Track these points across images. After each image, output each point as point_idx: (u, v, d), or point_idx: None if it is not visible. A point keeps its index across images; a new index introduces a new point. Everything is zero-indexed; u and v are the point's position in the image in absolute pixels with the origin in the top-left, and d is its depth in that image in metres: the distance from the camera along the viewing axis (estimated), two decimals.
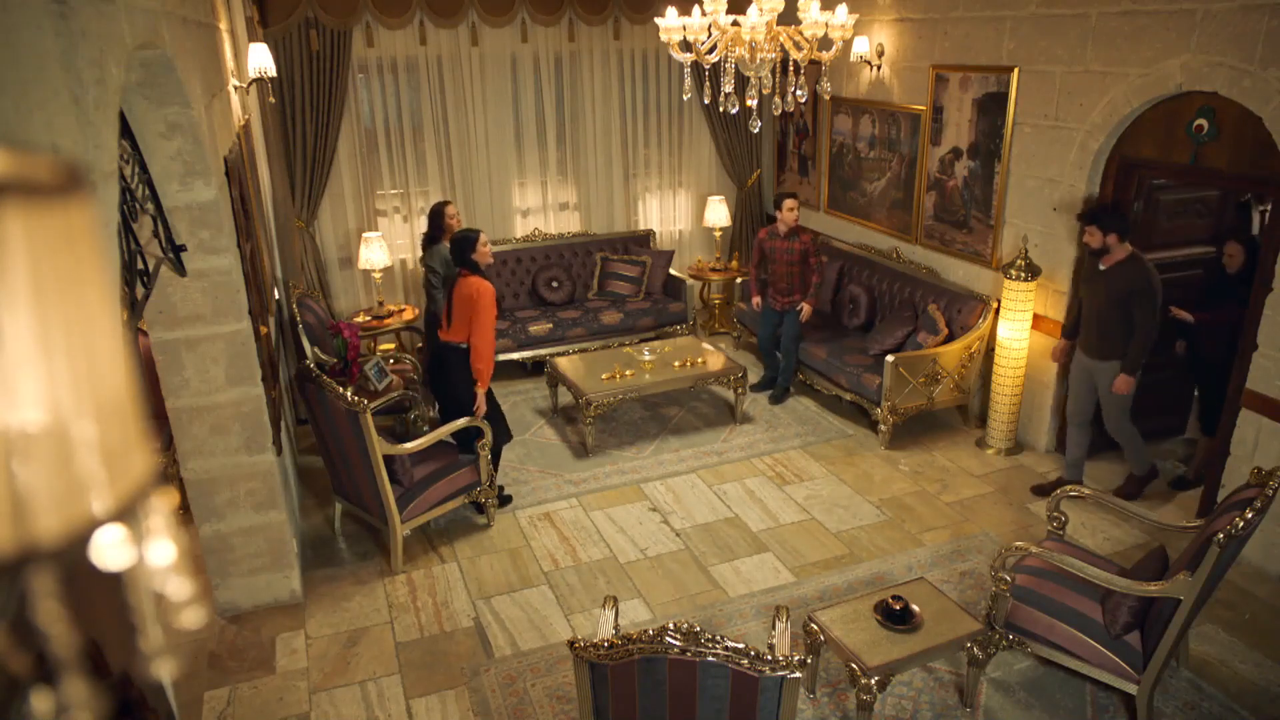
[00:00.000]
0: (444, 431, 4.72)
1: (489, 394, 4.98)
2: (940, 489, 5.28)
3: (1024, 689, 3.66)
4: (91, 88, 1.76)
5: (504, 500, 5.19)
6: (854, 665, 3.25)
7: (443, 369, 4.87)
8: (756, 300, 6.57)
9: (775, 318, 6.52)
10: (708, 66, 3.81)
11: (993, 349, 5.63)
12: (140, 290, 2.67)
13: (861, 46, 6.60)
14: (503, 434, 5.09)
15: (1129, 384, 4.70)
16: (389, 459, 4.41)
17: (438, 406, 5.15)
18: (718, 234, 8.18)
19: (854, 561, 4.61)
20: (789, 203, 6.18)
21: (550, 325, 7.04)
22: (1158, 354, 4.98)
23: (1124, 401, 4.81)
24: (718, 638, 2.34)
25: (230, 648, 4.01)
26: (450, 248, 4.79)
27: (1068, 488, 3.91)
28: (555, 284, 7.47)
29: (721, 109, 3.80)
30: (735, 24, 3.60)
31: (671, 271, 7.69)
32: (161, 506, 0.58)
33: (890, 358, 5.61)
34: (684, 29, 3.65)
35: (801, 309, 6.30)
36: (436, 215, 5.76)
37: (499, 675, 3.82)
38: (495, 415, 5.03)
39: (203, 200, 3.42)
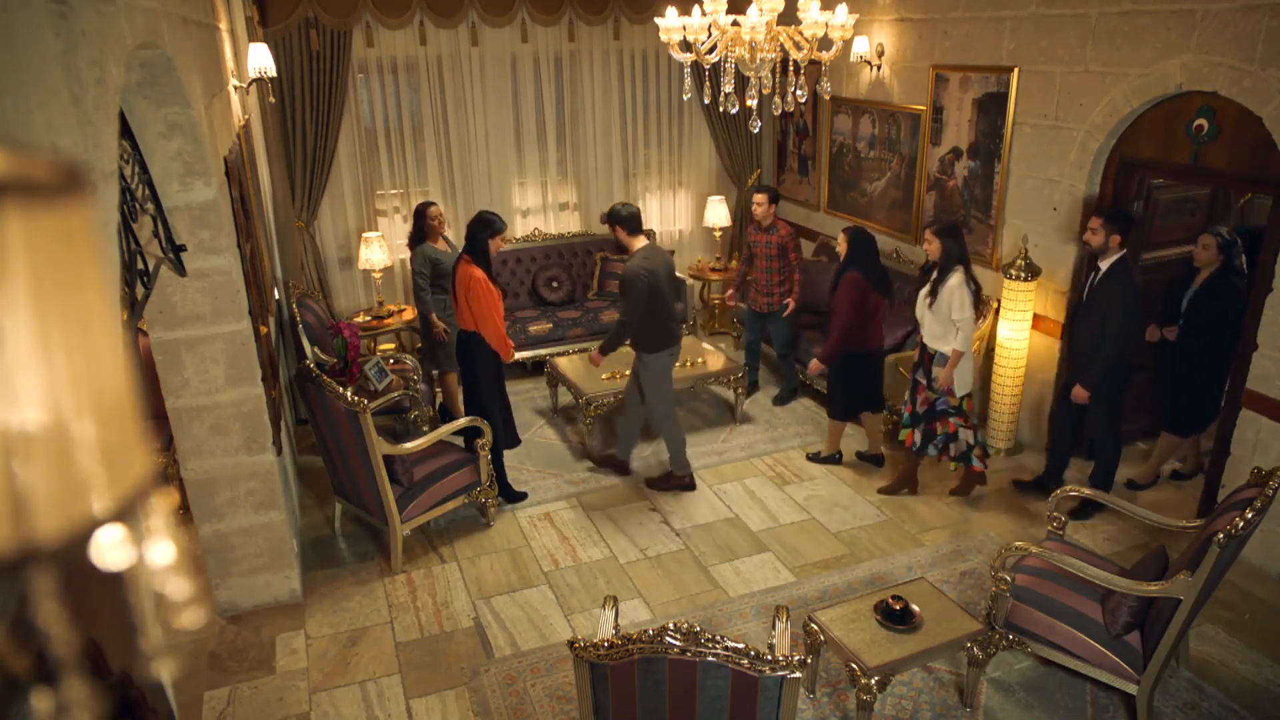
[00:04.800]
0: (444, 431, 4.73)
1: (501, 396, 5.01)
2: (940, 489, 5.27)
3: (1024, 689, 3.66)
4: (91, 88, 1.76)
5: (519, 496, 5.22)
6: (854, 665, 3.25)
7: (466, 356, 4.97)
8: (730, 293, 6.61)
9: (759, 320, 6.51)
10: (708, 66, 3.81)
11: (993, 349, 5.63)
12: (140, 290, 2.67)
13: (861, 46, 6.59)
14: (508, 438, 5.13)
15: (598, 361, 5.20)
16: (389, 459, 4.41)
17: (460, 389, 5.26)
18: (718, 234, 8.18)
19: (854, 561, 4.60)
20: (757, 197, 6.20)
21: (550, 325, 7.04)
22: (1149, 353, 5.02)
23: (650, 396, 5.12)
24: (718, 638, 2.34)
25: (230, 648, 4.01)
26: (469, 225, 4.85)
27: (1068, 488, 3.91)
28: (555, 284, 7.47)
29: (721, 109, 3.80)
30: (735, 24, 3.60)
31: None
32: (161, 506, 0.58)
33: (890, 358, 5.61)
34: (684, 29, 3.64)
35: (787, 305, 6.29)
36: (419, 216, 5.77)
37: (499, 675, 3.82)
38: (506, 417, 5.06)
39: (203, 200, 3.42)
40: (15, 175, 0.50)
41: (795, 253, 6.23)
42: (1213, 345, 4.75)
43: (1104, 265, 4.54)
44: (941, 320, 4.68)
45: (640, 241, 4.94)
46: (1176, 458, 5.31)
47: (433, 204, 5.83)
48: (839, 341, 5.08)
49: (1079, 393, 4.60)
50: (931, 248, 4.68)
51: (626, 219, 4.89)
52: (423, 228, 5.75)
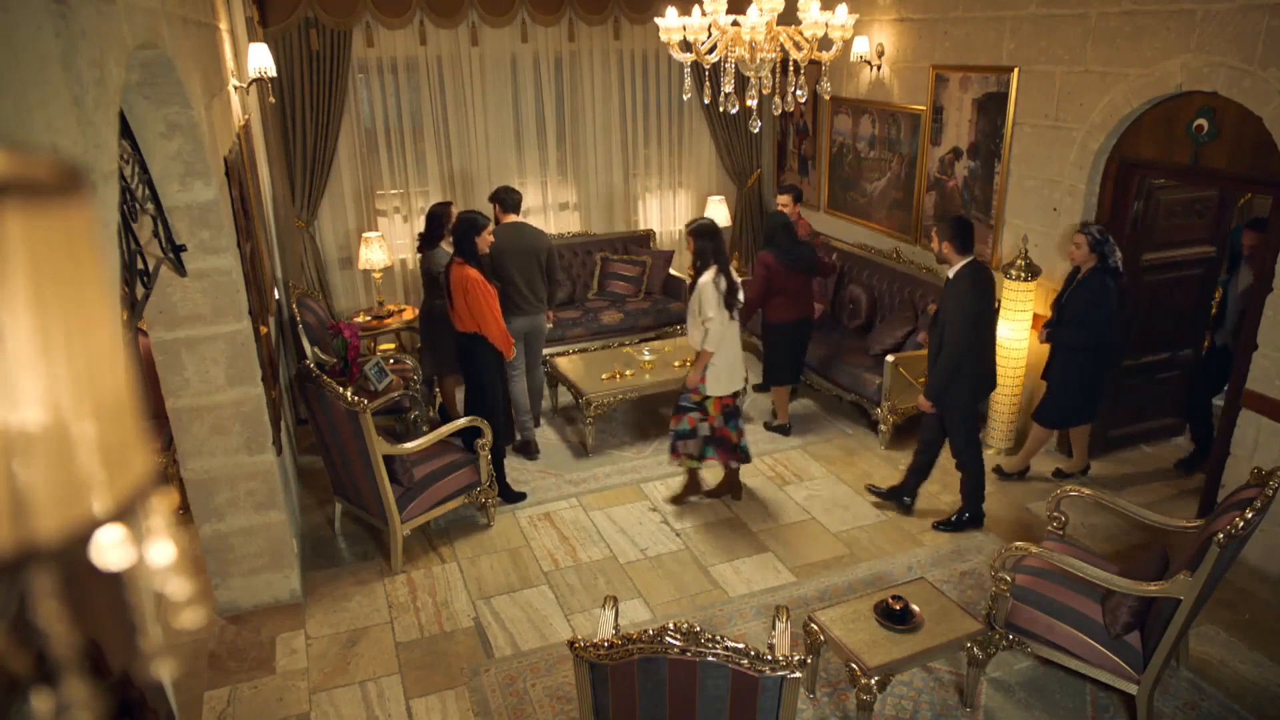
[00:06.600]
0: (444, 431, 4.73)
1: (501, 393, 5.01)
2: (940, 489, 5.27)
3: (1024, 689, 3.66)
4: (91, 88, 1.76)
5: (518, 496, 5.22)
6: (854, 665, 3.25)
7: (467, 358, 4.98)
8: None
9: None
10: (708, 66, 3.81)
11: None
12: (140, 290, 2.67)
13: (861, 46, 6.59)
14: (508, 434, 5.13)
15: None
16: (389, 459, 4.41)
17: (464, 390, 5.26)
18: None
19: (854, 561, 4.60)
20: (780, 198, 6.34)
21: (550, 325, 7.02)
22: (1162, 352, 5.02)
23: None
24: (718, 638, 2.34)
25: (230, 648, 4.01)
26: (454, 227, 4.87)
27: (1068, 487, 3.91)
28: None
29: (721, 109, 3.80)
30: (735, 24, 3.60)
31: (671, 271, 7.69)
32: (161, 506, 0.58)
33: (890, 358, 5.61)
34: (684, 29, 3.65)
35: None
36: (436, 217, 5.71)
37: (499, 675, 3.82)
38: (508, 416, 5.06)
39: (203, 200, 3.42)
40: (15, 175, 0.50)
41: None
42: (1084, 341, 4.77)
43: (950, 273, 4.50)
44: (694, 318, 4.73)
45: (507, 219, 5.47)
46: (1050, 448, 5.40)
47: (450, 204, 5.82)
48: (743, 312, 5.20)
49: (923, 403, 4.67)
50: (690, 246, 4.76)
51: (503, 199, 5.53)
52: (443, 228, 5.69)
